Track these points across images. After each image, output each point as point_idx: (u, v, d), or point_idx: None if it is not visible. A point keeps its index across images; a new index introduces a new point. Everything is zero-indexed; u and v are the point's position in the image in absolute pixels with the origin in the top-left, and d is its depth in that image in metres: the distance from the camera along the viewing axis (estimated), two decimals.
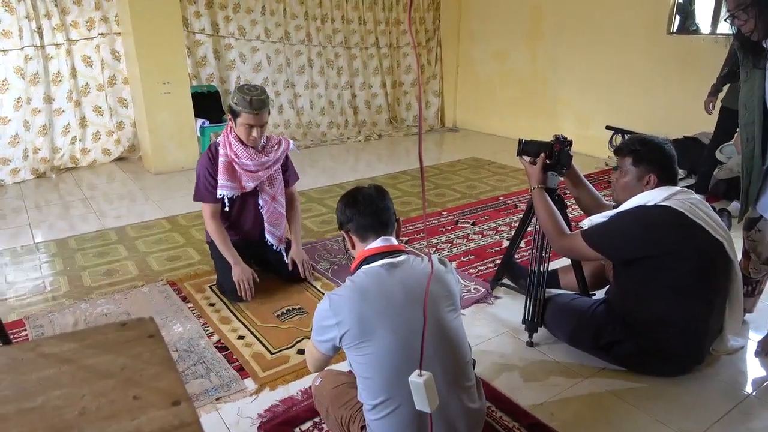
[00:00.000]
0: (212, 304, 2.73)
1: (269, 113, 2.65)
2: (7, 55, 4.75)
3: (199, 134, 5.37)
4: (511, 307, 2.66)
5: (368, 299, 1.47)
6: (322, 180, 4.95)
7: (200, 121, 5.35)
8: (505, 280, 2.81)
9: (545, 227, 2.20)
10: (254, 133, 2.61)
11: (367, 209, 1.59)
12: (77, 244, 3.52)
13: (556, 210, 2.22)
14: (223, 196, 2.69)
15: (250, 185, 2.73)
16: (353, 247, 1.64)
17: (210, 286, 2.90)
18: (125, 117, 5.53)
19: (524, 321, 2.36)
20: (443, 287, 1.55)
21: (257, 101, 2.54)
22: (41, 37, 4.91)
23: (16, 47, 4.78)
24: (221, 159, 2.65)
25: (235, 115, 2.59)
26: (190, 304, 2.72)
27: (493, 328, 2.50)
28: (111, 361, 0.70)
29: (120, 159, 5.65)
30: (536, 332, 2.35)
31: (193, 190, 2.78)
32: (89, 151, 5.42)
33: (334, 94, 6.71)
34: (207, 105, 5.56)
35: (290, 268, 2.85)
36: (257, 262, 2.90)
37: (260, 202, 2.80)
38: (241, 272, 2.63)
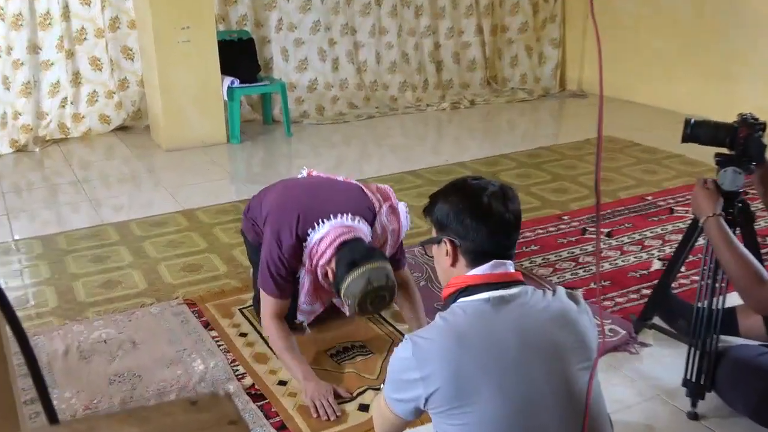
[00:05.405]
0: (244, 335, 2.81)
1: None
2: None
3: (226, 98, 5.51)
4: (665, 360, 2.61)
5: (469, 348, 1.47)
6: (389, 164, 5.01)
7: (228, 79, 5.49)
8: (657, 321, 2.76)
9: (732, 273, 2.12)
10: None
11: (499, 229, 1.58)
12: (67, 244, 3.71)
13: (743, 248, 2.12)
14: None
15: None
16: (452, 264, 1.63)
17: (240, 309, 2.99)
18: (130, 73, 5.79)
19: (685, 382, 2.31)
20: (575, 335, 1.53)
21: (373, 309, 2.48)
22: None
23: None
24: (307, 277, 2.59)
25: (336, 287, 2.44)
26: (214, 333, 2.82)
27: (637, 390, 2.46)
28: None
29: (122, 128, 5.91)
30: (703, 399, 2.30)
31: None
32: (83, 117, 5.71)
33: (410, 43, 6.75)
34: (237, 58, 5.68)
35: None
36: None
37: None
38: (315, 389, 2.44)
